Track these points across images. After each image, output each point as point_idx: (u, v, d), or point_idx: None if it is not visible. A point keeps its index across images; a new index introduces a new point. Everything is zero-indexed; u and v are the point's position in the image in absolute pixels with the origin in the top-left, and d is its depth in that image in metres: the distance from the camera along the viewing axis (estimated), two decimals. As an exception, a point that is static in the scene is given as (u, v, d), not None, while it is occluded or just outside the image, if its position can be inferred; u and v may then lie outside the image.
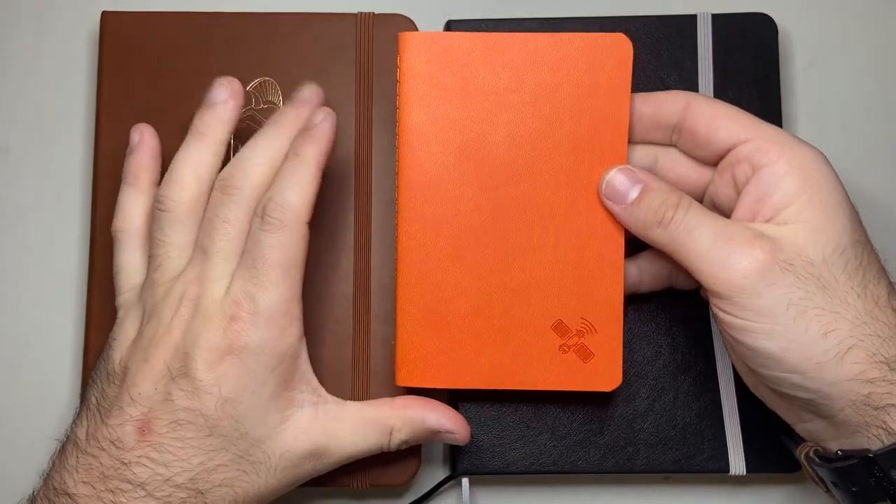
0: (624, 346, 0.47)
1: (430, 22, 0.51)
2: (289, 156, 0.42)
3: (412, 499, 0.48)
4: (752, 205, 0.40)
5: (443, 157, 0.43)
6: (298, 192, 0.41)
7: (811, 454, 0.40)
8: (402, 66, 0.43)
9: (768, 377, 0.39)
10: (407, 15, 0.50)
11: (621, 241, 0.43)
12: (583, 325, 0.43)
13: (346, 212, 0.48)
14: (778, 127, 0.42)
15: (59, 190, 0.51)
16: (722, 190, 0.43)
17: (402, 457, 0.46)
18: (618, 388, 0.44)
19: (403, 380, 0.44)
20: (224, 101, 0.44)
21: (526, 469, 0.47)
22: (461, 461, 0.47)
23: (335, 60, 0.50)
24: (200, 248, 0.42)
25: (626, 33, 0.49)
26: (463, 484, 0.47)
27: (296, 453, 0.41)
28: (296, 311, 0.41)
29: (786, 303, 0.38)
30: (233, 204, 0.42)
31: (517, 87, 0.43)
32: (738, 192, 0.42)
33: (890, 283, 0.39)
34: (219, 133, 0.44)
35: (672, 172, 0.44)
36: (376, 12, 0.50)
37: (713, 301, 0.40)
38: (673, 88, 0.49)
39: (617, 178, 0.42)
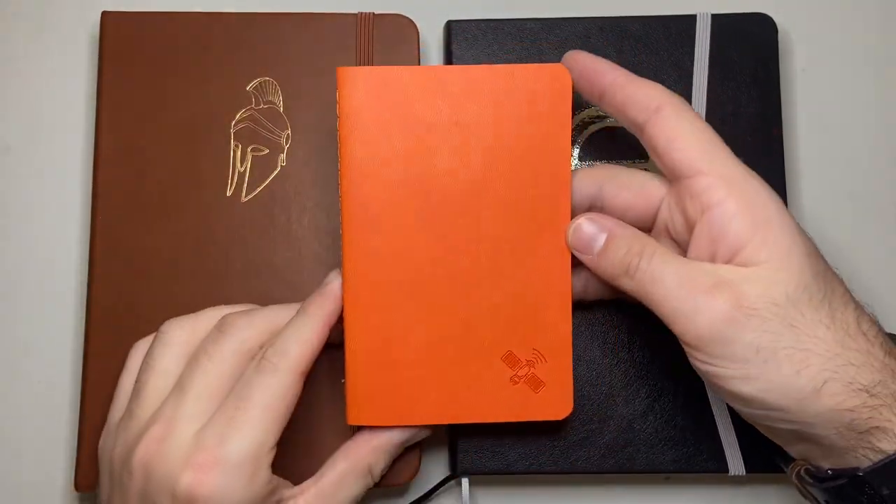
0: (624, 346, 0.47)
1: (430, 22, 0.51)
2: (298, 313, 0.42)
3: (412, 499, 0.48)
4: (707, 246, 0.40)
5: (385, 193, 0.42)
6: (300, 342, 0.40)
7: (802, 473, 0.40)
8: (340, 102, 0.42)
9: (751, 415, 0.40)
10: (407, 15, 0.50)
11: (568, 269, 0.43)
12: (533, 355, 0.43)
13: (346, 212, 0.48)
14: (731, 155, 0.40)
15: (59, 190, 0.50)
16: (675, 216, 0.42)
17: (402, 457, 0.46)
18: (571, 411, 0.43)
19: (354, 419, 0.43)
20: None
21: (526, 469, 0.47)
22: (461, 461, 0.47)
23: (335, 60, 0.49)
24: (178, 385, 0.40)
25: (625, 33, 0.49)
26: (463, 484, 0.47)
27: None
28: (267, 459, 0.39)
29: (755, 348, 0.37)
30: (223, 341, 0.41)
31: (458, 119, 0.42)
32: (689, 226, 0.41)
33: (857, 306, 0.39)
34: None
35: (617, 199, 0.43)
36: (376, 12, 0.50)
37: (685, 349, 0.40)
38: (672, 88, 0.49)
39: (583, 227, 0.42)
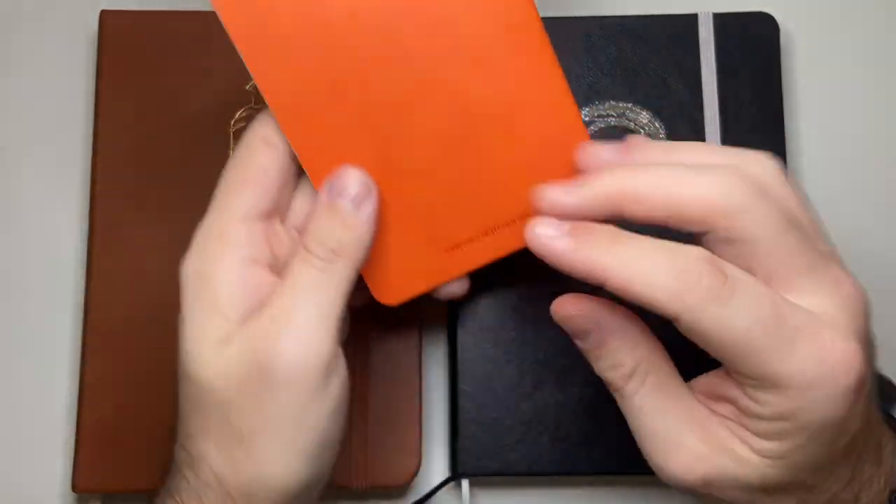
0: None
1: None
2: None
3: (412, 500, 0.48)
4: (732, 410, 0.35)
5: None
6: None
7: None
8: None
9: None
10: (407, 14, 0.50)
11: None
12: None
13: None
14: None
15: (58, 189, 0.50)
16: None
17: (402, 457, 0.46)
18: None
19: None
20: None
21: (526, 470, 0.46)
22: (461, 462, 0.47)
23: (335, 60, 0.49)
24: None
25: (626, 32, 0.49)
26: (463, 486, 0.47)
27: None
28: (232, 236, 0.36)
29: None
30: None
31: None
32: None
33: (851, 479, 0.35)
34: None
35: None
36: (376, 11, 0.50)
37: None
38: (677, 87, 0.49)
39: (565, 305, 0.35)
